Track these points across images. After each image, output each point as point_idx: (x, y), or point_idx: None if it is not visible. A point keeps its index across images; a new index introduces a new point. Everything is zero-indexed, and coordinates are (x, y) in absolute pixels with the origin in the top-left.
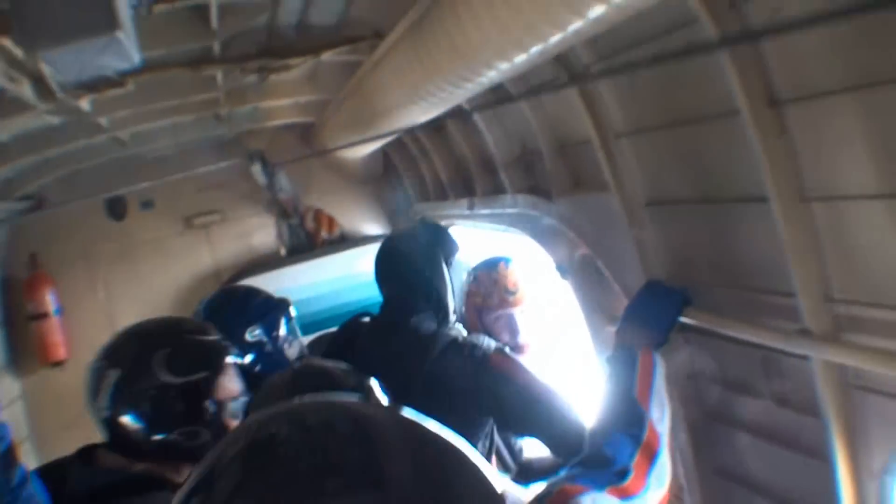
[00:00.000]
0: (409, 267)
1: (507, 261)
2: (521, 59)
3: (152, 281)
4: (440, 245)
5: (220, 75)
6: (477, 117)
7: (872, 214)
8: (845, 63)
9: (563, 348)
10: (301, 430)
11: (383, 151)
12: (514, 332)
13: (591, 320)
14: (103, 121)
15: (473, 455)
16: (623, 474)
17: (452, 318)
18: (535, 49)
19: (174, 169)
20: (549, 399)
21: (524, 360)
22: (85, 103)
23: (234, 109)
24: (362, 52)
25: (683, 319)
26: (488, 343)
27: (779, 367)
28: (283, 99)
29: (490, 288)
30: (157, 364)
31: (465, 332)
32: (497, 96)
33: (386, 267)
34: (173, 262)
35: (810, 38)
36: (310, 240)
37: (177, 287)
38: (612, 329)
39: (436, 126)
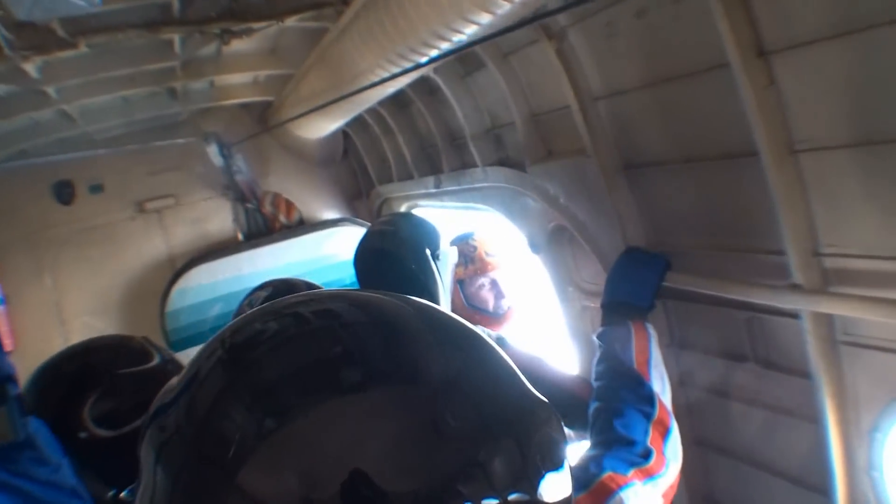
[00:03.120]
0: (397, 269)
1: (473, 233)
2: (485, 18)
3: (102, 268)
4: (425, 239)
5: (177, 41)
6: (445, 89)
7: (855, 164)
8: (830, 10)
9: (537, 319)
10: (296, 321)
11: (343, 133)
12: (499, 295)
13: (563, 294)
14: (51, 90)
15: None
16: (646, 455)
17: None
18: (502, 7)
19: (125, 150)
20: (542, 368)
21: (508, 326)
22: (33, 68)
23: (190, 84)
24: (328, 18)
25: (667, 284)
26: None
27: (762, 329)
28: (242, 73)
29: (467, 257)
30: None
31: None
32: (465, 67)
33: (370, 269)
34: (124, 248)
35: None
36: (267, 224)
37: (128, 275)
38: (585, 303)
39: (400, 102)
